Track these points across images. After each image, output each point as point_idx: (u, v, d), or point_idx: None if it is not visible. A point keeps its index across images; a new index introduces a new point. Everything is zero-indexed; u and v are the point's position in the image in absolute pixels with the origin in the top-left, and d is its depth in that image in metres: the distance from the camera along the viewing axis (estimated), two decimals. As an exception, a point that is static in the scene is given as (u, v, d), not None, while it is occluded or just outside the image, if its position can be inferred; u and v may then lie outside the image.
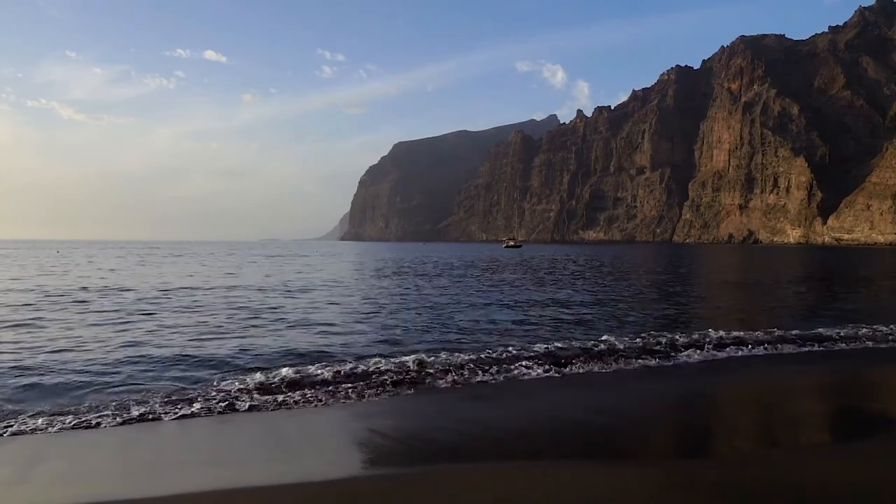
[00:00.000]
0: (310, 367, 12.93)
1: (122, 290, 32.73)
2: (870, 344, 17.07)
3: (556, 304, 26.74)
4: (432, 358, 13.71)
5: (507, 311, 24.19)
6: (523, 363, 13.34)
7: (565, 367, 13.26)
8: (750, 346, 15.98)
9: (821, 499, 6.69)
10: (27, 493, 7.10)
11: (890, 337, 17.71)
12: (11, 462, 8.18)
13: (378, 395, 11.29)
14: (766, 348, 16.02)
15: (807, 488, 6.94)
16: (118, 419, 9.69)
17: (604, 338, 16.32)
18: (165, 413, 10.00)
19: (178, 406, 10.33)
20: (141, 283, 37.99)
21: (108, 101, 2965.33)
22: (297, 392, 11.22)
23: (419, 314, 23.12)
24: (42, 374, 12.68)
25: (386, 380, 11.93)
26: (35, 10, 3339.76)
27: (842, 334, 17.94)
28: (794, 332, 18.00)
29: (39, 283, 38.49)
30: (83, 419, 9.63)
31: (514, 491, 6.90)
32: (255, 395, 10.96)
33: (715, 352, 15.35)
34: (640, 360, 14.20)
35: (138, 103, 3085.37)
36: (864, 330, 18.60)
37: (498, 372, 12.82)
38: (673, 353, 14.93)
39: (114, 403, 10.43)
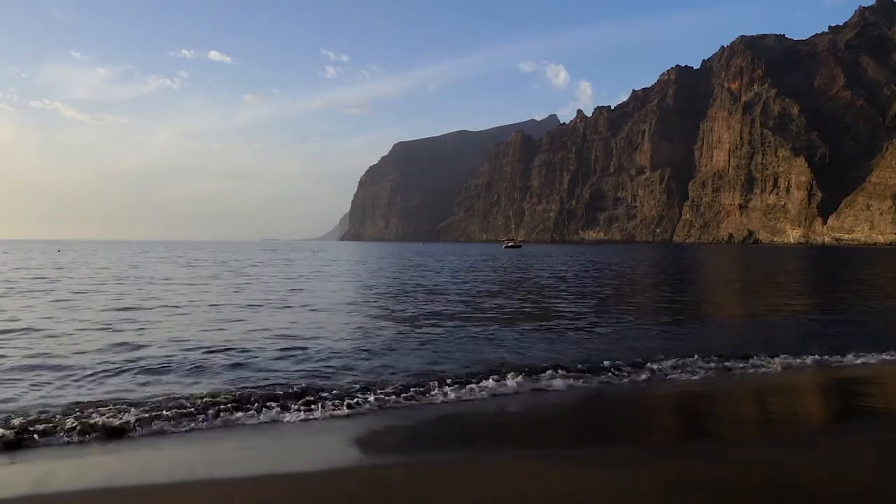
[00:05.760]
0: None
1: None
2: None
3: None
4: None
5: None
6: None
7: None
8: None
9: (821, 497, 6.70)
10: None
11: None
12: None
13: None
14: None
15: (807, 486, 6.95)
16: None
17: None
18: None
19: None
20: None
21: (110, 102, 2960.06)
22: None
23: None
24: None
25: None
26: (39, 10, 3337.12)
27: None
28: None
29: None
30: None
31: (513, 488, 6.92)
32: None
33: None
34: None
35: (141, 103, 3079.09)
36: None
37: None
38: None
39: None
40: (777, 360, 14.20)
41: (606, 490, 6.92)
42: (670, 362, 13.85)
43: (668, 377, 12.90)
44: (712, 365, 13.82)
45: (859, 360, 14.53)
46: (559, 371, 12.81)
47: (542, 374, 12.51)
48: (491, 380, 12.07)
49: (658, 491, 6.82)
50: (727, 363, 13.93)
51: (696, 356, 14.38)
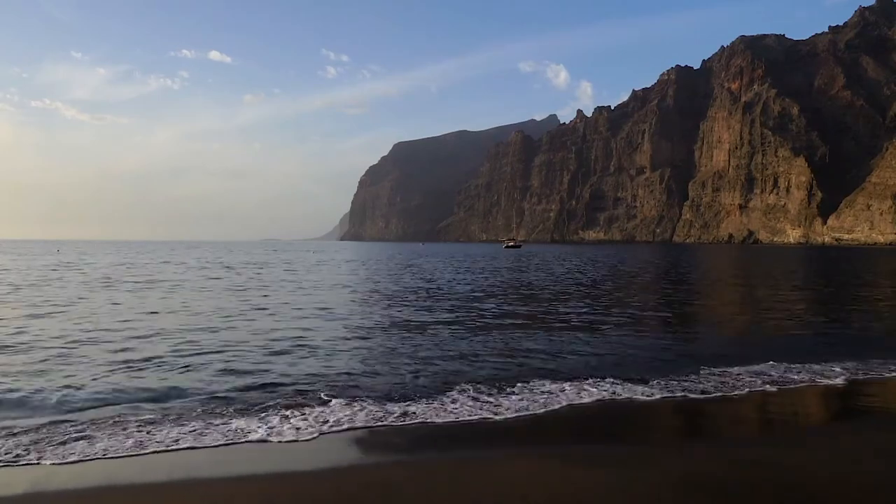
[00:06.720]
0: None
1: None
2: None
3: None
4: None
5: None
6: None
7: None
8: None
9: (821, 497, 6.70)
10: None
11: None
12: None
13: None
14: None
15: (807, 486, 6.95)
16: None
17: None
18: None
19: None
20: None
21: (110, 102, 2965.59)
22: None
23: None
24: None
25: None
26: (39, 10, 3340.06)
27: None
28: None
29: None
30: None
31: (512, 488, 6.92)
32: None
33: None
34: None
35: (141, 103, 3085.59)
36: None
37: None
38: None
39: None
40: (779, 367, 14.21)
41: (606, 490, 6.92)
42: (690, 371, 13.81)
43: (674, 391, 12.89)
44: (717, 372, 13.82)
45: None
46: (558, 379, 12.85)
47: (545, 382, 12.51)
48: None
49: (658, 491, 6.83)
50: (736, 371, 13.91)
51: (685, 366, 14.37)
